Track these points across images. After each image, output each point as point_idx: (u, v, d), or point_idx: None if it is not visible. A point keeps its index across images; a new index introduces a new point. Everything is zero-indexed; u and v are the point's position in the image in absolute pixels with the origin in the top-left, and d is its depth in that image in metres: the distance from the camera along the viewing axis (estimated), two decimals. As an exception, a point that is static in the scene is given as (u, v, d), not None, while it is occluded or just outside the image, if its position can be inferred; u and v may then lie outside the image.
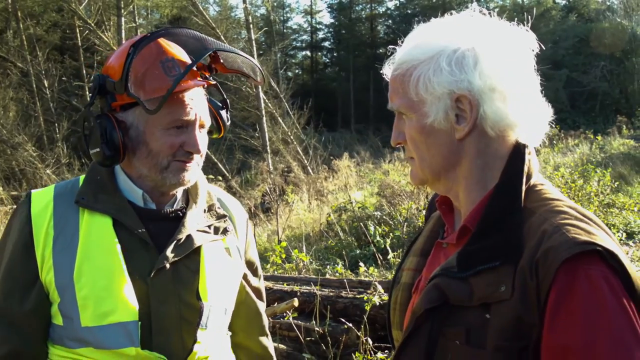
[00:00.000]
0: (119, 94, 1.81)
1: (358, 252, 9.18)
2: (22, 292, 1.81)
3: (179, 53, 1.82)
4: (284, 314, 5.29)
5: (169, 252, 1.84)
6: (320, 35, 51.39)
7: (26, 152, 18.17)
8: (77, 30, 23.70)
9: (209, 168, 20.29)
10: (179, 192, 1.97)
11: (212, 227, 1.99)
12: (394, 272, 1.75)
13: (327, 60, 51.81)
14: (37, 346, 1.82)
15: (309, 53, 50.82)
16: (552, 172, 11.57)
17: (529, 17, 1.48)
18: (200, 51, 1.83)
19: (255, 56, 21.65)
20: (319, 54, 51.07)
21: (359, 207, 11.07)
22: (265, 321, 2.25)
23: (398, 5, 47.69)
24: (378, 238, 8.92)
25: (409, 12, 44.87)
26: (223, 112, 2.04)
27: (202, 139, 1.88)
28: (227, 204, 2.12)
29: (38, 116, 21.60)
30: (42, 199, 1.89)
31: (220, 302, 1.93)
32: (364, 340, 4.77)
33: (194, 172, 1.90)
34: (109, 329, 1.76)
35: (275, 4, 39.65)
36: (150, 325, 1.80)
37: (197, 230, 1.93)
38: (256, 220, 12.65)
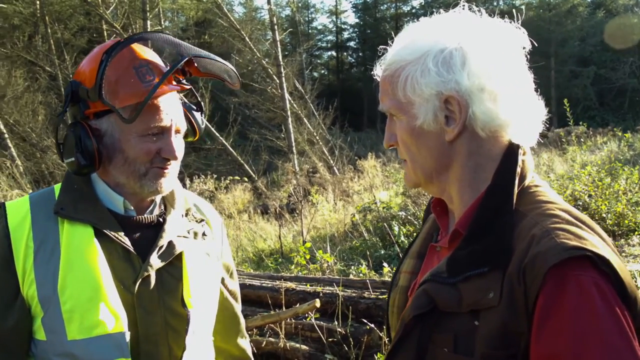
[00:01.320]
0: (92, 101, 1.77)
1: (382, 252, 9.15)
2: (3, 307, 1.76)
3: (153, 57, 1.80)
4: (306, 315, 5.30)
5: (152, 260, 1.82)
6: (346, 35, 51.44)
7: (55, 154, 18.38)
8: (105, 34, 23.90)
9: (235, 169, 20.39)
10: (158, 198, 1.95)
11: (191, 232, 1.97)
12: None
13: (353, 60, 51.79)
14: None
15: (334, 53, 50.87)
16: (579, 170, 11.42)
17: (519, 15, 1.44)
18: (175, 57, 1.78)
19: (280, 57, 21.71)
20: (345, 54, 51.11)
21: (383, 207, 11.04)
22: (242, 323, 2.23)
23: (423, 4, 47.46)
24: (402, 238, 8.88)
25: (434, 10, 44.26)
26: (197, 115, 2.01)
27: (178, 144, 1.85)
28: (203, 208, 2.11)
29: (66, 120, 21.81)
30: (19, 211, 1.83)
31: (204, 307, 1.92)
32: (387, 341, 4.76)
33: (171, 179, 1.88)
34: (97, 341, 1.71)
35: (300, 4, 39.78)
36: (137, 335, 1.78)
37: (177, 236, 1.91)
38: (282, 221, 12.68)
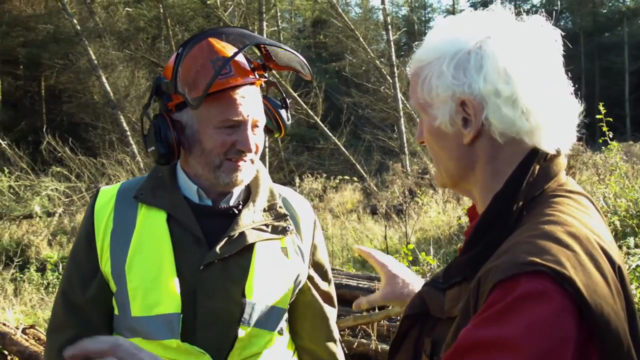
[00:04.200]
0: (173, 94, 1.85)
1: (487, 256, 8.91)
2: (84, 280, 1.92)
3: (230, 52, 1.83)
4: (399, 318, 5.22)
5: (218, 249, 1.86)
6: (463, 34, 50.58)
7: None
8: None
9: (347, 169, 20.45)
10: (236, 189, 1.98)
11: (270, 226, 1.98)
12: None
13: (471, 60, 50.98)
14: (101, 333, 1.87)
15: (451, 53, 50.15)
16: None
17: (555, 11, 1.35)
18: (243, 47, 1.84)
19: (394, 57, 21.58)
20: (462, 53, 50.36)
21: (491, 210, 10.76)
22: (334, 327, 2.18)
23: (544, 1, 46.05)
24: (509, 242, 8.62)
25: (556, 8, 43.15)
26: (283, 112, 2.03)
27: (255, 138, 1.88)
28: (293, 204, 2.10)
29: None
30: (107, 194, 1.99)
31: (268, 301, 1.92)
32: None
33: (247, 172, 1.92)
34: (155, 320, 1.83)
35: (416, 4, 39.54)
36: (195, 319, 1.84)
37: (253, 228, 1.93)
38: (389, 222, 12.61)
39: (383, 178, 20.31)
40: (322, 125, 21.34)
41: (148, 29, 25.62)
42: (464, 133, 1.33)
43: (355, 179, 18.22)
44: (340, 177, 16.85)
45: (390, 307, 5.34)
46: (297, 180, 16.58)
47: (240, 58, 1.87)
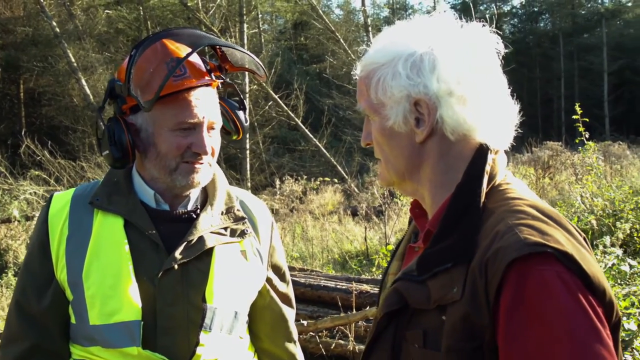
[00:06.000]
0: (127, 96, 1.82)
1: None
2: (39, 289, 1.86)
3: (184, 53, 1.80)
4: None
5: (177, 254, 1.84)
6: (444, 36, 50.76)
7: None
8: (203, 38, 24.38)
9: (328, 171, 20.45)
10: (193, 193, 1.96)
11: (229, 230, 1.96)
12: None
13: (451, 61, 51.25)
14: (57, 343, 1.87)
15: (432, 54, 50.32)
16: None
17: (493, 18, 1.44)
18: (196, 47, 1.81)
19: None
20: (443, 55, 50.51)
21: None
22: (293, 328, 2.18)
23: (523, 3, 46.37)
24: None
25: (535, 9, 43.58)
26: (240, 113, 2.03)
27: (211, 140, 1.87)
28: (250, 206, 2.09)
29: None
30: (61, 200, 1.94)
31: (229, 305, 1.90)
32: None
33: (204, 174, 1.90)
34: (114, 328, 1.78)
35: (397, 6, 39.66)
36: (155, 326, 1.81)
37: (211, 232, 1.91)
38: (369, 223, 12.63)
39: (364, 179, 20.35)
40: (303, 127, 21.35)
41: (128, 31, 25.52)
42: (416, 132, 1.41)
43: (336, 180, 18.23)
44: (321, 178, 16.86)
45: (367, 308, 5.36)
46: (278, 182, 16.55)
47: (196, 59, 1.86)
